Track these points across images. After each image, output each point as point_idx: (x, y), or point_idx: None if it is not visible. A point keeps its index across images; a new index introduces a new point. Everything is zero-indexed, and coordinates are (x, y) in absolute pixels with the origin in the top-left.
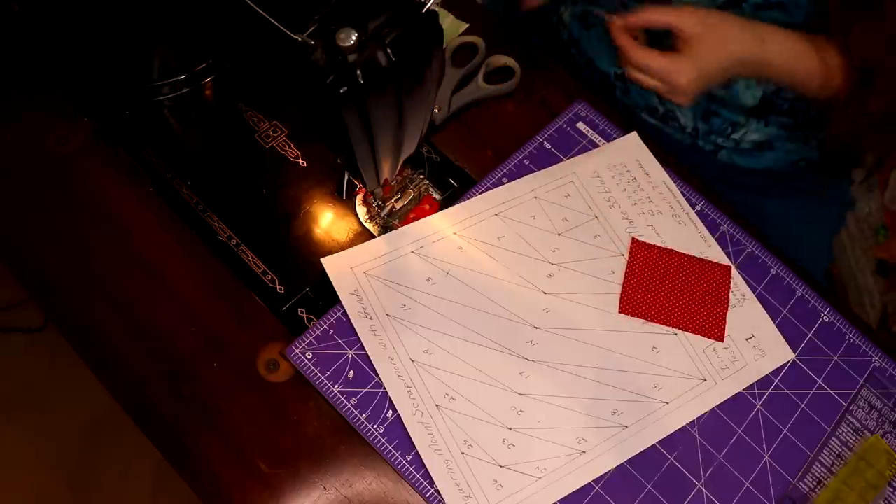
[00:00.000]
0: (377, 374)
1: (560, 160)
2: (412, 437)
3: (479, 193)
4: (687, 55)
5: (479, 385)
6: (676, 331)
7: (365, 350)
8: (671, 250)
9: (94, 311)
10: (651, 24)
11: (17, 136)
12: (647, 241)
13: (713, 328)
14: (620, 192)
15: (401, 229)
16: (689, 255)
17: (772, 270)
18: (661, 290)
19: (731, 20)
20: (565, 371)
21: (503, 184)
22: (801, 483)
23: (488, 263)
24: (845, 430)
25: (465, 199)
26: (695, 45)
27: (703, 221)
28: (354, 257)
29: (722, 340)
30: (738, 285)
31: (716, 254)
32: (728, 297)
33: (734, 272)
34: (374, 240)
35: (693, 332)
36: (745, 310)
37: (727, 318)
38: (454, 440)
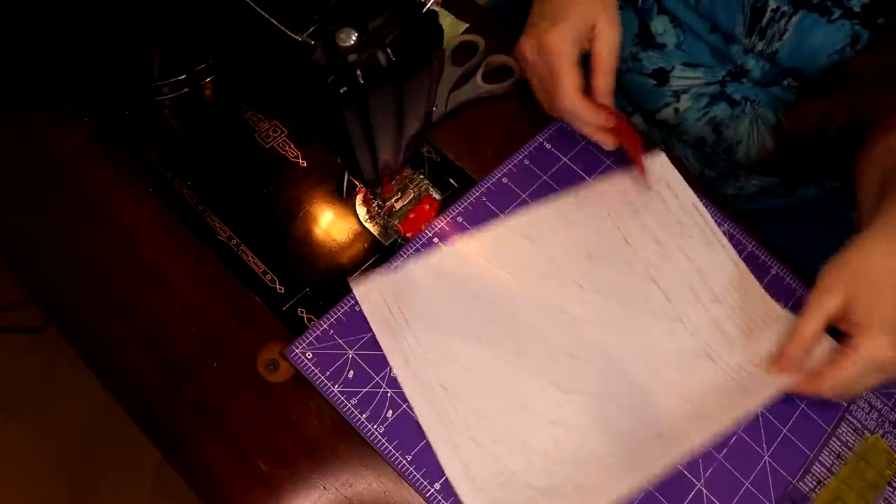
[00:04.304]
0: (410, 408)
1: (560, 160)
2: (446, 470)
3: (479, 193)
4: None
5: (511, 414)
6: (710, 353)
7: (365, 350)
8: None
9: (94, 311)
10: (810, 338)
11: (17, 136)
12: (677, 264)
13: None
14: (649, 215)
15: (431, 253)
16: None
17: (772, 270)
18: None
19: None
20: (599, 398)
21: (503, 184)
22: (801, 483)
23: (520, 289)
24: (845, 430)
25: (463, 199)
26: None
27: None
28: (383, 283)
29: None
30: (770, 305)
31: (745, 274)
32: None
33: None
34: (404, 264)
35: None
36: (779, 328)
37: None
38: (489, 471)
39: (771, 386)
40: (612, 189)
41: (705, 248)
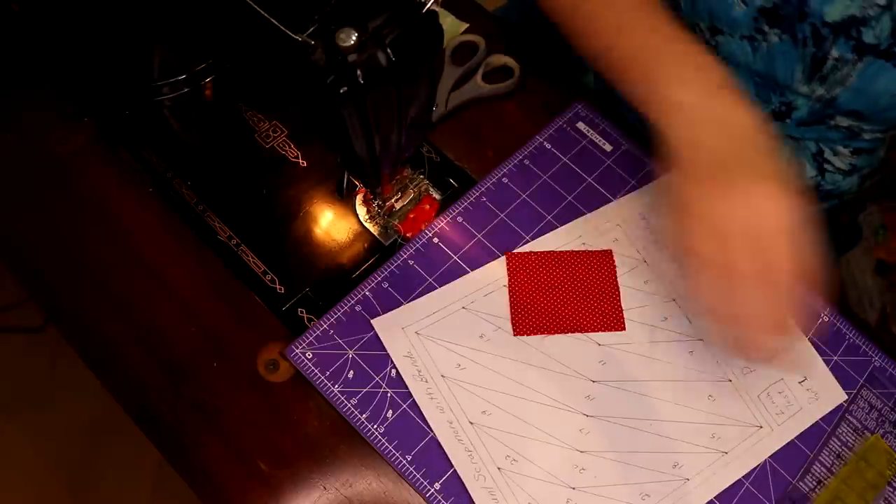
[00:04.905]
0: (436, 438)
1: (560, 160)
2: (475, 502)
3: (479, 193)
4: None
5: (539, 444)
6: (731, 377)
7: (365, 350)
8: (548, 252)
9: (94, 311)
10: None
11: (17, 136)
12: None
13: (612, 320)
14: (666, 234)
15: (449, 285)
16: (567, 252)
17: None
18: (550, 298)
19: None
20: (625, 425)
21: (503, 184)
22: (801, 483)
23: None
24: (845, 430)
25: (463, 199)
26: None
27: None
28: (405, 317)
29: (623, 329)
30: (791, 327)
31: None
32: (616, 281)
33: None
34: (424, 297)
35: (594, 330)
36: (797, 351)
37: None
38: (516, 501)
39: (790, 429)
40: (627, 207)
41: None
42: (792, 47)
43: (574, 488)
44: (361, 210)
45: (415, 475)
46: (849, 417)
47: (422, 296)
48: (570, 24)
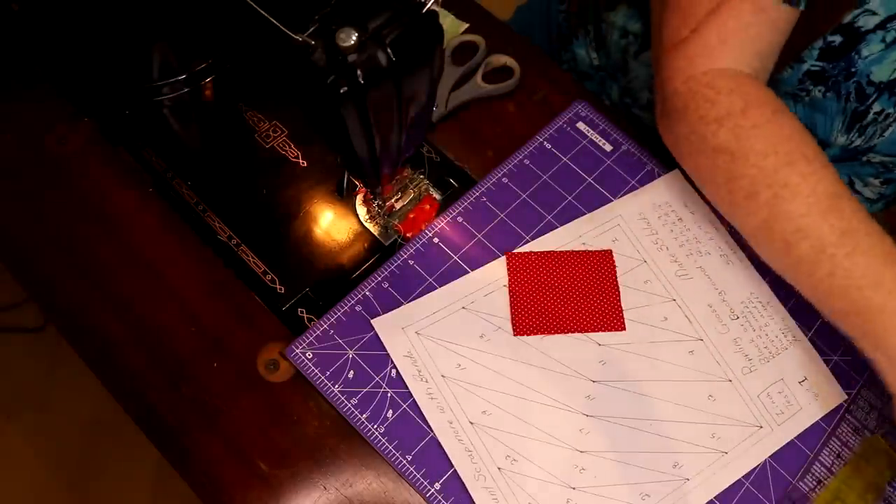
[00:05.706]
0: (436, 438)
1: (560, 160)
2: (475, 502)
3: (479, 193)
4: None
5: (539, 444)
6: (731, 377)
7: (365, 350)
8: (548, 252)
9: (94, 311)
10: None
11: (17, 136)
12: (696, 282)
13: (612, 320)
14: (667, 234)
15: (449, 285)
16: (567, 252)
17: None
18: (550, 298)
19: None
20: (625, 425)
21: (503, 184)
22: (801, 483)
23: None
24: (845, 430)
25: (463, 199)
26: None
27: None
28: (405, 317)
29: (623, 329)
30: (791, 326)
31: (765, 293)
32: (616, 281)
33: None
34: (424, 297)
35: (594, 330)
36: (797, 352)
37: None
38: (517, 502)
39: (790, 429)
40: (627, 207)
41: (724, 265)
42: (835, 102)
43: (574, 488)
44: (361, 210)
45: (415, 475)
46: (849, 417)
47: (422, 296)
48: (779, 265)
